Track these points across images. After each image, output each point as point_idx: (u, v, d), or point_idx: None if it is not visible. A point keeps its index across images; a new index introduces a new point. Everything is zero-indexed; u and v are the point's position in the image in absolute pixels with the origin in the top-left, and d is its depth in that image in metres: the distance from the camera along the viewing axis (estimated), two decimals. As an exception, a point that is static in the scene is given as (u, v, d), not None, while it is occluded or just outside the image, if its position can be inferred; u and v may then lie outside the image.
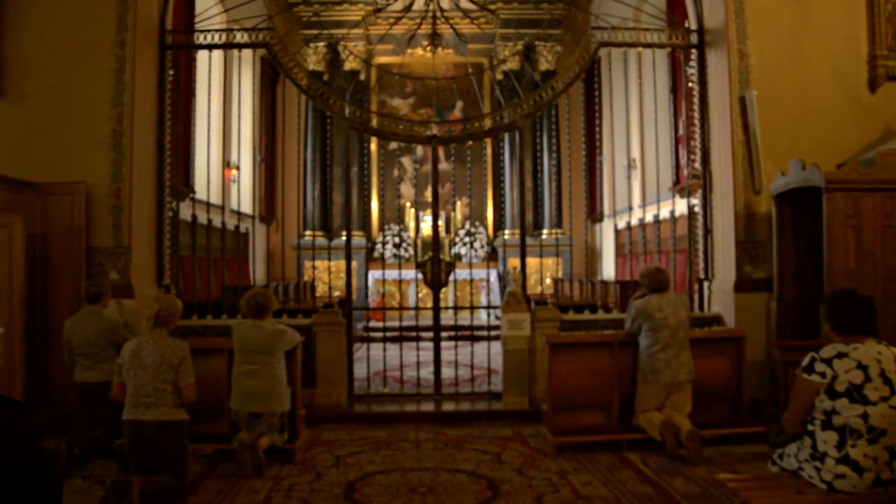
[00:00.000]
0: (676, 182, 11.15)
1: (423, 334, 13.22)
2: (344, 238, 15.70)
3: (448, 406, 7.33)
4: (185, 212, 10.57)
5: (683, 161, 10.77)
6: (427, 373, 8.97)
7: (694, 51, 8.09)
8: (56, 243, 6.81)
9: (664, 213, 10.35)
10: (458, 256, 14.99)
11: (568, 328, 7.45)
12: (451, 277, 7.61)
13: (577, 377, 6.19)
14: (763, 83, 7.40)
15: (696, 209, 8.19)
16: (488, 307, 7.97)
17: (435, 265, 7.44)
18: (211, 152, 8.75)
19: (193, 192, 10.95)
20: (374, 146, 16.32)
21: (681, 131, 10.80)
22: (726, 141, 7.52)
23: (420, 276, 7.53)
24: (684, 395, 5.95)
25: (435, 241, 7.62)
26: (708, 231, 7.98)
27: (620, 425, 6.15)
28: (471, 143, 7.65)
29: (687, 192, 8.09)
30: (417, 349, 7.80)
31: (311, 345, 7.23)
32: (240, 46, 7.91)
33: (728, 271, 7.53)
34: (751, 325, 7.00)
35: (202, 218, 10.78)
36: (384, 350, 7.87)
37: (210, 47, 7.88)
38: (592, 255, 16.28)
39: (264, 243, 15.48)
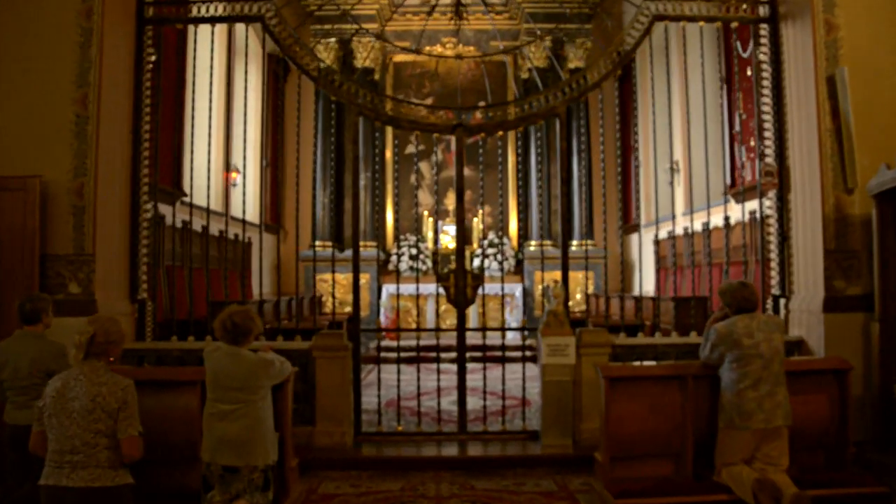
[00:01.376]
0: (732, 185, 9.86)
1: (444, 355, 11.98)
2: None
3: (475, 449, 6.06)
4: (178, 217, 9.42)
5: (740, 161, 9.49)
6: (449, 402, 7.77)
7: (764, 26, 6.83)
8: (3, 249, 5.64)
9: (716, 221, 9.07)
10: (480, 270, 13.74)
11: (620, 356, 6.17)
12: (479, 292, 6.36)
13: (640, 419, 4.92)
14: (856, 60, 6.12)
15: (769, 213, 6.90)
16: (523, 329, 6.66)
17: (460, 278, 6.21)
18: (209, 153, 7.57)
19: (186, 195, 9.81)
20: (388, 152, 15.15)
21: (736, 127, 9.53)
22: (810, 130, 6.24)
23: (442, 291, 6.28)
24: (780, 445, 4.65)
25: (460, 251, 6.39)
26: (784, 238, 6.68)
27: (697, 482, 4.85)
28: (500, 133, 6.41)
29: (759, 193, 6.81)
30: (438, 373, 6.56)
31: (309, 373, 6.02)
32: (228, 20, 6.73)
33: (813, 287, 6.23)
34: (844, 352, 5.67)
35: (197, 225, 9.62)
36: (398, 374, 6.61)
37: (194, 21, 6.72)
38: (626, 269, 14.97)
39: (272, 255, 14.30)
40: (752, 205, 8.01)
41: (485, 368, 6.59)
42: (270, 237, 14.25)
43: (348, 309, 13.75)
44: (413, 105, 6.57)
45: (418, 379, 6.58)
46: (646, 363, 6.08)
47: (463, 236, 6.33)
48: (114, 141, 6.22)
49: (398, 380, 6.62)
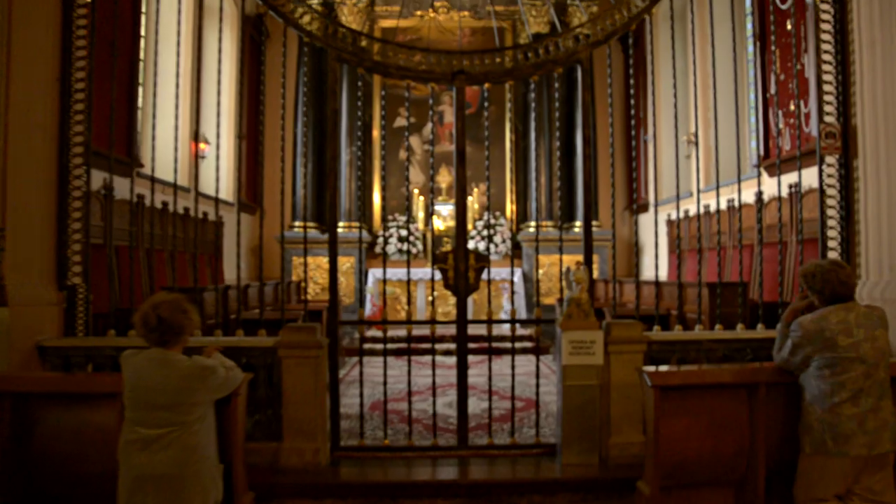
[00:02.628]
0: (765, 156, 8.74)
1: (438, 346, 10.90)
2: (341, 231, 13.43)
3: (479, 470, 4.92)
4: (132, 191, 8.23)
5: (776, 128, 8.36)
6: (445, 404, 6.71)
7: (821, -40, 5.68)
8: None
9: (746, 198, 7.98)
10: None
11: (657, 354, 5.06)
12: (484, 278, 5.22)
13: (697, 438, 3.81)
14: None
15: (830, 183, 5.79)
16: (537, 321, 5.50)
17: (460, 259, 5.06)
18: (172, 120, 6.34)
19: (143, 166, 8.60)
20: (376, 128, 13.92)
21: (772, 89, 8.39)
22: (889, 81, 5.12)
23: (438, 275, 5.14)
24: (886, 476, 3.55)
25: (460, 224, 5.23)
26: (848, 212, 5.57)
27: (772, 522, 3.75)
28: (511, 82, 5.20)
29: (818, 158, 5.67)
30: (433, 371, 5.41)
31: (275, 376, 4.87)
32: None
33: (890, 271, 5.13)
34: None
35: (166, 202, 8.43)
36: (384, 370, 5.46)
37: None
38: (632, 252, 13.86)
39: (249, 236, 13.11)
40: (790, 178, 6.93)
41: (490, 365, 5.45)
42: (247, 217, 13.05)
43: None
44: (405, 49, 5.39)
45: (409, 377, 5.41)
46: (685, 366, 4.97)
47: (464, 207, 5.18)
48: (32, 90, 5.02)
49: (384, 378, 5.46)
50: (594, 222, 13.02)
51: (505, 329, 10.94)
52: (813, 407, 3.57)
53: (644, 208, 13.12)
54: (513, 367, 5.41)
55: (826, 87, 5.68)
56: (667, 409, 3.75)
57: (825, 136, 5.62)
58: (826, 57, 5.68)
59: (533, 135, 13.39)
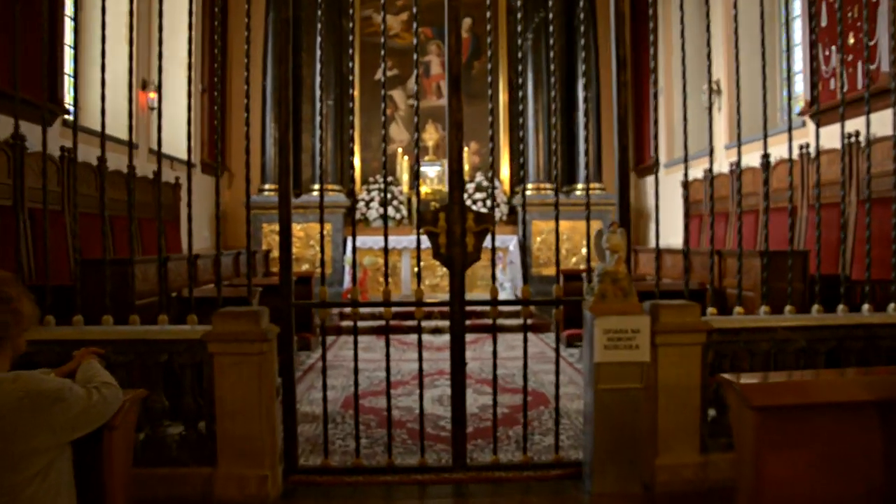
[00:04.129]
0: (812, 102, 7.44)
1: (426, 324, 9.62)
2: (315, 194, 12.08)
3: (482, 502, 3.68)
4: (55, 144, 6.88)
5: (826, 69, 7.08)
6: (435, 400, 5.53)
7: None
8: None
9: (783, 152, 6.74)
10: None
11: (720, 348, 3.81)
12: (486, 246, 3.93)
13: (808, 476, 2.57)
14: None
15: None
16: (557, 302, 4.12)
17: (455, 220, 3.76)
18: (114, 64, 4.96)
19: (66, 113, 7.20)
20: (356, 73, 12.48)
21: (823, 22, 7.10)
22: None
23: (428, 243, 3.85)
24: None
25: (456, 176, 3.89)
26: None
27: None
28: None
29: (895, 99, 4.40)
30: (420, 354, 4.09)
31: (207, 380, 3.59)
32: None
33: None
34: None
35: (89, 156, 7.08)
36: (356, 361, 4.13)
37: None
38: (638, 217, 12.64)
39: (211, 200, 11.73)
40: (847, 126, 5.65)
41: (495, 349, 4.14)
42: (209, 179, 11.65)
43: (305, 266, 11.30)
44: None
45: (387, 361, 4.09)
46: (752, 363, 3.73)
47: (460, 149, 3.86)
48: None
49: (355, 367, 4.16)
50: (597, 185, 11.75)
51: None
52: None
53: (651, 170, 11.85)
54: (525, 359, 4.13)
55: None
56: (772, 439, 2.51)
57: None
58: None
59: (530, 88, 12.04)
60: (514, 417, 5.20)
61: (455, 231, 3.78)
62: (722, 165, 9.29)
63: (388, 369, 3.99)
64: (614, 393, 3.58)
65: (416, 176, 4.02)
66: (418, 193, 4.13)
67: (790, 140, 4.33)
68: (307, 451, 4.43)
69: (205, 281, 7.45)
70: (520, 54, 4.10)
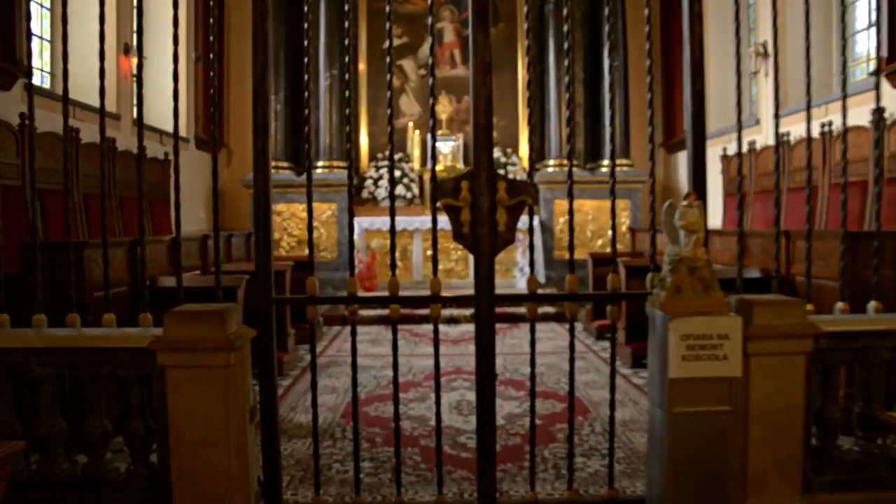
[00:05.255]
0: (890, 59, 6.48)
1: (441, 312, 8.64)
2: (319, 172, 11.19)
3: (520, 560, 2.84)
4: (13, 109, 6.07)
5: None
6: (453, 407, 4.79)
7: None
8: None
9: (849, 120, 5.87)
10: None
11: (830, 357, 2.92)
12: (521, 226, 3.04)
13: None
14: None
15: None
16: (616, 297, 3.11)
17: (482, 191, 2.88)
18: (91, 25, 4.12)
19: (28, 78, 6.33)
20: (362, 40, 11.57)
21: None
22: None
23: (444, 223, 2.98)
24: None
25: (484, 137, 2.97)
26: None
27: None
28: None
29: None
30: (436, 350, 3.13)
31: (158, 399, 2.75)
32: None
33: None
34: None
35: (53, 125, 6.24)
36: (353, 369, 3.20)
37: None
38: (668, 196, 11.69)
39: (206, 179, 10.89)
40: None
41: (533, 356, 3.22)
42: (205, 156, 10.82)
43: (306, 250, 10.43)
44: None
45: (395, 358, 3.17)
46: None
47: (488, 102, 2.97)
48: None
49: (354, 381, 3.26)
50: (625, 161, 10.81)
51: (519, 289, 8.82)
52: None
53: (683, 145, 10.88)
54: (572, 369, 3.24)
55: None
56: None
57: None
58: None
59: (552, 58, 11.09)
60: (549, 432, 4.35)
61: (482, 205, 2.90)
62: (769, 138, 8.33)
63: (395, 381, 3.11)
64: (693, 418, 2.71)
65: (425, 158, 3.13)
66: (421, 178, 3.24)
67: (844, 108, 3.35)
68: (298, 479, 3.59)
69: (195, 267, 6.61)
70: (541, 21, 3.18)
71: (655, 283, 2.93)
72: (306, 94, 3.04)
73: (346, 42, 3.07)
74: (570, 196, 3.10)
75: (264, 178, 3.00)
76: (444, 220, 3.00)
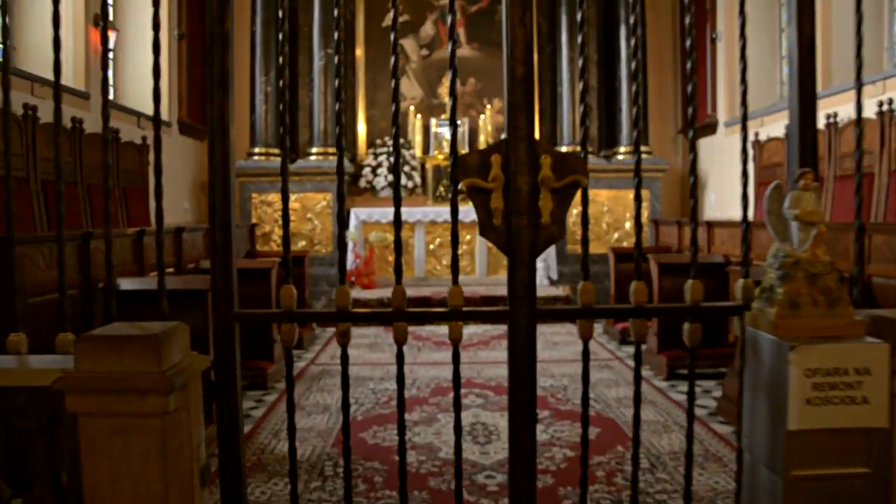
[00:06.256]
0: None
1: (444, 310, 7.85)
2: (313, 159, 10.35)
3: None
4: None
5: None
6: (469, 435, 3.96)
7: None
8: None
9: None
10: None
11: None
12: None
13: None
14: None
15: None
16: (696, 312, 2.28)
17: (521, 168, 2.10)
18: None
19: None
20: (360, 22, 10.75)
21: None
22: None
23: (442, 216, 2.20)
24: None
25: (523, 94, 2.20)
26: None
27: None
28: None
29: None
30: (456, 390, 2.27)
31: (70, 456, 1.97)
32: None
33: None
34: None
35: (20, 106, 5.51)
36: (345, 405, 2.36)
37: None
38: (687, 187, 10.91)
39: (195, 167, 10.10)
40: None
41: (586, 394, 2.52)
42: (191, 142, 10.02)
43: (302, 244, 9.65)
44: None
45: (400, 368, 2.32)
46: None
47: (528, 47, 2.20)
48: None
49: (345, 387, 2.47)
50: (643, 147, 10.01)
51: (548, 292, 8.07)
52: None
53: (707, 130, 10.10)
54: (639, 395, 2.45)
55: None
56: None
57: None
58: None
59: (564, 36, 10.28)
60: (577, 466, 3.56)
61: (520, 186, 2.12)
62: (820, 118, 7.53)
63: (399, 355, 2.32)
64: (819, 484, 1.93)
65: (428, 145, 2.33)
66: (423, 166, 2.46)
67: None
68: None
69: (167, 265, 5.82)
70: None
71: (757, 295, 2.15)
72: (281, 78, 2.26)
73: (336, 13, 2.27)
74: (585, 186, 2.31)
75: (223, 153, 2.21)
76: (447, 212, 2.22)
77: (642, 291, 2.24)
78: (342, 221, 2.31)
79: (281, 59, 2.30)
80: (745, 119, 2.32)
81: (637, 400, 2.26)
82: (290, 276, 2.24)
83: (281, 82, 2.26)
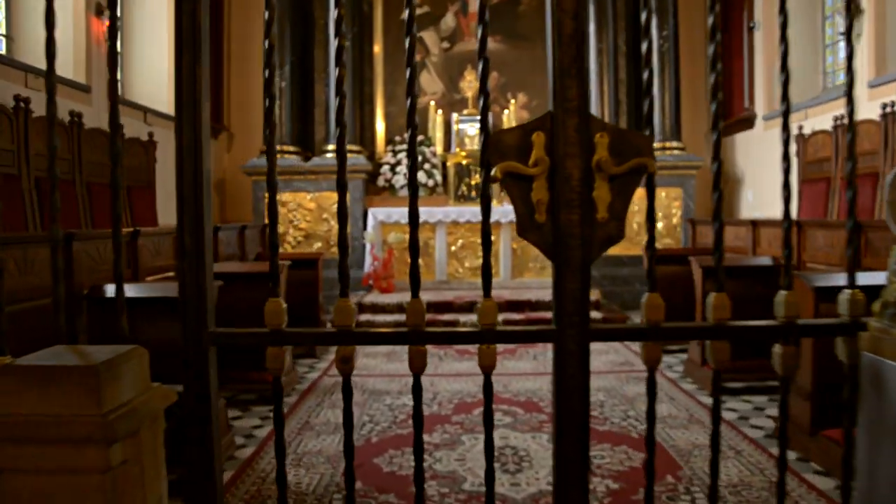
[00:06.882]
0: None
1: (464, 318, 7.43)
2: (330, 156, 9.93)
3: None
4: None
5: None
6: (502, 467, 3.47)
7: None
8: None
9: None
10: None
11: None
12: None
13: None
14: None
15: None
16: (798, 330, 1.93)
17: (570, 150, 1.65)
18: None
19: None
20: (378, 14, 10.32)
21: None
22: None
23: (463, 216, 1.73)
24: None
25: (574, 54, 1.77)
26: None
27: None
28: None
29: None
30: (488, 430, 2.21)
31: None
32: None
33: None
34: None
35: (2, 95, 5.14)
36: (347, 427, 2.01)
37: None
38: (725, 184, 10.35)
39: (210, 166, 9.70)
40: None
41: (652, 431, 2.03)
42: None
43: (318, 245, 9.25)
44: None
45: (416, 384, 1.89)
46: None
47: (582, 16, 1.75)
48: None
49: (347, 426, 2.09)
50: (675, 143, 9.50)
51: (544, 294, 7.58)
52: None
53: (743, 125, 9.55)
54: (717, 462, 1.98)
55: None
56: None
57: None
58: None
59: (591, 27, 9.78)
60: (630, 502, 3.08)
61: (570, 172, 1.66)
62: (862, 110, 6.96)
63: (417, 397, 1.87)
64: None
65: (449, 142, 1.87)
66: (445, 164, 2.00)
67: None
68: None
69: (167, 268, 5.41)
70: None
71: (877, 311, 1.66)
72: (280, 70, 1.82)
73: None
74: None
75: (193, 129, 1.76)
76: (469, 212, 1.75)
77: (724, 307, 1.76)
78: (343, 217, 1.86)
79: (279, 62, 1.84)
80: (786, 99, 1.83)
81: (714, 468, 1.77)
82: (278, 287, 1.79)
83: (281, 83, 1.81)
